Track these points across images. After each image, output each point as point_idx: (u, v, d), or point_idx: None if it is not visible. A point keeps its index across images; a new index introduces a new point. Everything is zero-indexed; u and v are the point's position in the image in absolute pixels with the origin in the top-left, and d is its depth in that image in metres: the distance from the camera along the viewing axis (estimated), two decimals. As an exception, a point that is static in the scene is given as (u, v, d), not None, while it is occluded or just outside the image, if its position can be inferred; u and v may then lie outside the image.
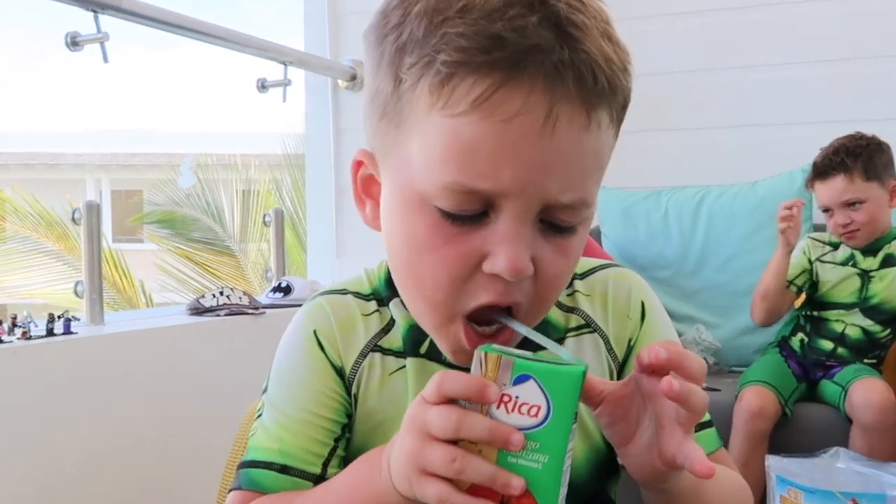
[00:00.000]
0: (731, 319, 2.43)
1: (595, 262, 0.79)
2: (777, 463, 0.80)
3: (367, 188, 0.69)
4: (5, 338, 1.60)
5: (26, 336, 1.62)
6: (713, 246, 2.47)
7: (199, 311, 2.12)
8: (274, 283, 2.45)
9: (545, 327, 0.72)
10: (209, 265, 6.13)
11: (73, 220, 1.85)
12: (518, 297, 0.61)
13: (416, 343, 0.73)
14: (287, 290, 2.35)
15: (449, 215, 0.59)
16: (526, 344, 0.61)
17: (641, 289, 0.78)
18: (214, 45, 2.31)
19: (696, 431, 0.73)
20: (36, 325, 1.67)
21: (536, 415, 0.53)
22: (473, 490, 0.53)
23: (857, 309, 2.06)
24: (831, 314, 2.10)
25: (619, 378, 0.74)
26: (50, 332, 1.68)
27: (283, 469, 0.70)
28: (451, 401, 0.54)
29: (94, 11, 1.80)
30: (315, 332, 0.73)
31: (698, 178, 2.60)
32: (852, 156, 1.99)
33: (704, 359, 2.34)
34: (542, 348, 0.59)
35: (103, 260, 1.93)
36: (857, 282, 2.07)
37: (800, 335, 2.17)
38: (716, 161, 2.65)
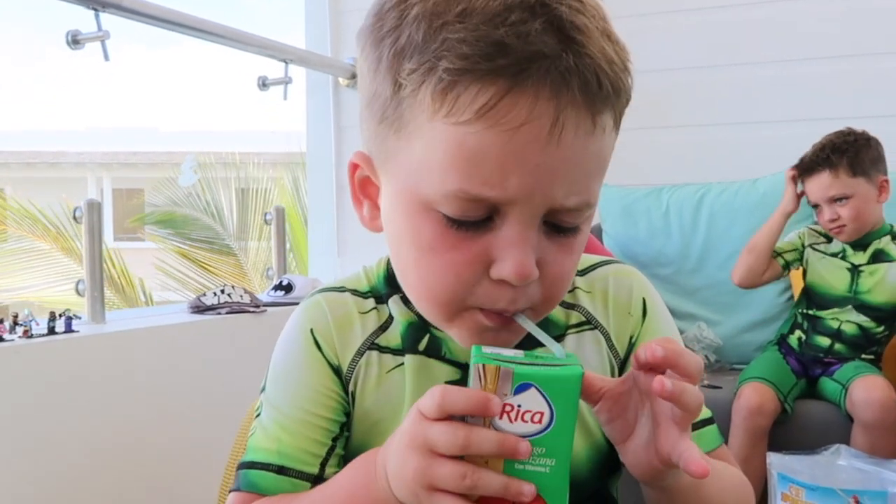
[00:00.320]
0: (733, 317, 2.43)
1: (596, 258, 0.79)
2: (778, 460, 0.80)
3: (364, 190, 0.69)
4: (6, 336, 1.60)
5: (28, 334, 1.62)
6: (714, 243, 2.47)
7: (200, 309, 2.12)
8: (275, 281, 2.45)
9: (546, 324, 0.72)
10: (209, 264, 6.12)
11: (75, 218, 1.86)
12: (524, 303, 0.61)
13: (415, 340, 0.73)
14: (288, 289, 2.35)
15: (454, 221, 0.59)
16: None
17: (643, 286, 0.78)
18: (215, 43, 2.31)
19: (696, 429, 0.73)
20: (37, 324, 1.68)
21: (540, 421, 0.53)
22: (484, 499, 0.53)
23: (850, 306, 2.07)
24: (826, 313, 2.10)
25: (620, 375, 0.74)
26: (51, 331, 1.68)
27: (281, 470, 0.70)
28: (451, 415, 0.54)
29: (95, 10, 1.80)
30: (312, 330, 0.73)
31: (699, 175, 2.60)
32: (837, 152, 2.01)
33: (705, 356, 2.35)
34: (532, 344, 0.59)
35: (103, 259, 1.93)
36: (846, 276, 2.08)
37: (798, 333, 2.17)
38: (717, 158, 2.64)
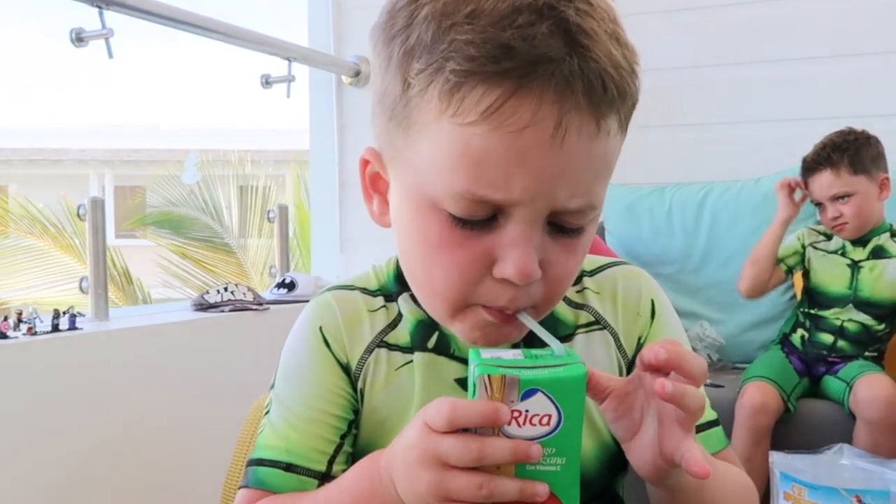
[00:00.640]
0: (735, 316, 2.43)
1: (605, 259, 0.80)
2: (781, 459, 0.80)
3: (374, 185, 0.70)
4: (11, 333, 1.60)
5: (32, 332, 1.63)
6: (717, 242, 2.47)
7: (203, 307, 2.12)
8: (278, 279, 2.45)
9: (554, 324, 0.73)
10: (209, 262, 6.12)
11: (78, 215, 1.86)
12: (525, 302, 0.62)
13: (424, 338, 0.73)
14: (291, 286, 2.35)
15: (459, 220, 0.60)
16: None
17: (652, 287, 0.78)
18: (218, 41, 2.32)
19: (702, 430, 0.73)
20: (41, 321, 1.68)
21: (548, 423, 0.53)
22: (498, 502, 0.54)
23: (850, 304, 2.08)
24: (828, 312, 2.11)
25: (628, 375, 0.75)
26: (55, 328, 1.68)
27: (289, 467, 0.71)
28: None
29: (99, 7, 1.80)
30: (321, 328, 0.74)
31: (702, 174, 2.60)
32: (839, 150, 2.04)
33: (708, 355, 2.35)
34: (532, 340, 0.59)
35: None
36: (847, 272, 2.10)
37: (800, 331, 2.18)
38: (720, 157, 2.64)
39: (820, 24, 2.54)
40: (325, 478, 0.71)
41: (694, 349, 2.32)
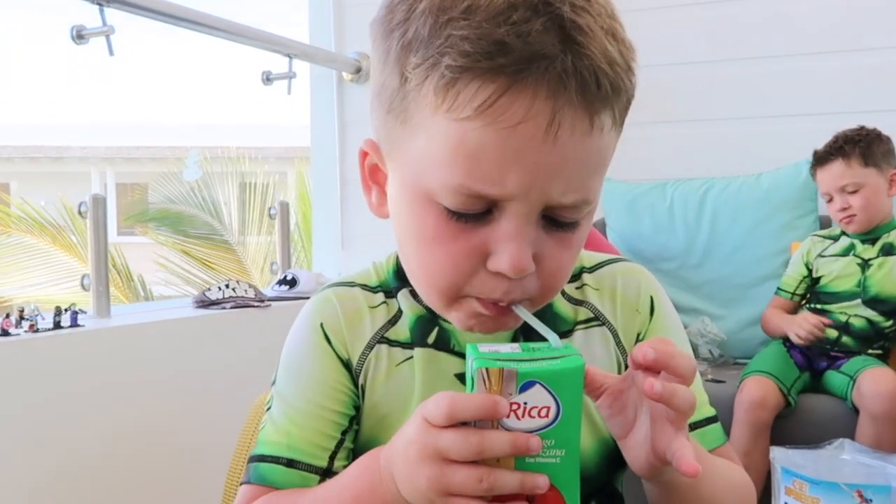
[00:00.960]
0: (737, 311, 2.43)
1: (604, 256, 0.80)
2: (782, 454, 0.80)
3: (373, 176, 0.71)
4: (13, 330, 1.60)
5: (33, 329, 1.63)
6: (718, 238, 2.47)
7: (205, 303, 2.13)
8: (279, 276, 2.46)
9: (553, 320, 0.73)
10: (210, 260, 6.11)
11: (80, 213, 1.87)
12: (519, 295, 0.63)
13: (424, 333, 0.73)
14: (293, 283, 2.35)
15: (454, 213, 0.61)
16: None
17: (651, 284, 0.79)
18: (219, 38, 2.32)
19: (700, 427, 0.73)
20: (43, 318, 1.68)
21: (547, 415, 0.54)
22: (500, 496, 0.54)
23: (858, 300, 2.08)
24: (835, 307, 2.11)
25: None
26: (57, 325, 1.69)
27: (290, 463, 0.71)
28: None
29: (100, 4, 1.80)
30: (322, 324, 0.74)
31: (703, 170, 2.59)
32: (851, 142, 2.08)
33: (709, 351, 2.35)
34: (528, 333, 0.59)
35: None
36: (856, 271, 2.10)
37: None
38: (721, 153, 2.64)
39: (822, 20, 2.54)
40: (326, 473, 0.71)
41: (695, 345, 2.33)
